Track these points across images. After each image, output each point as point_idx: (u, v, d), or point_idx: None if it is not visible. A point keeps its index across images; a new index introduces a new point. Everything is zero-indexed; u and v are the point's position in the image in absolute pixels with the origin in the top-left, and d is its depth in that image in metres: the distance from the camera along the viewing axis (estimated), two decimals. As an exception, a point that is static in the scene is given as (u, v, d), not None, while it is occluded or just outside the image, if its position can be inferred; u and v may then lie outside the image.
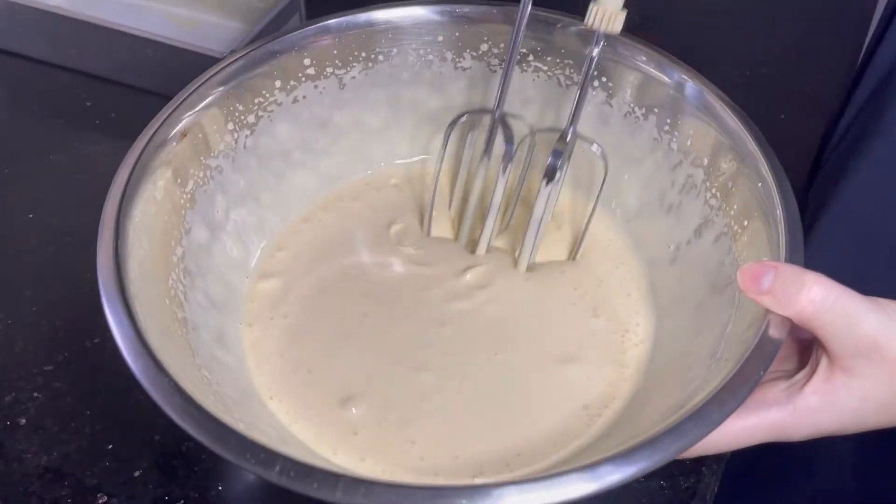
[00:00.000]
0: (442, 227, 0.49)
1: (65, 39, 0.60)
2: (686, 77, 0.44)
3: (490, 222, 0.46)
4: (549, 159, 0.44)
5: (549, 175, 0.44)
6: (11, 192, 0.54)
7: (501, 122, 0.46)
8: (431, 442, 0.39)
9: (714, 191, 0.43)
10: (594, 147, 0.46)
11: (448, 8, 0.48)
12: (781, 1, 0.71)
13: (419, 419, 0.40)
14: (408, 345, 0.43)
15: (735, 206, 0.41)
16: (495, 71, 0.49)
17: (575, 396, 0.41)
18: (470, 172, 0.49)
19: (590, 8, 0.41)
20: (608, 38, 0.46)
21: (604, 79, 0.47)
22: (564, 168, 0.45)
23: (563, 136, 0.44)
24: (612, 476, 0.29)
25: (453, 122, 0.47)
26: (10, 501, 0.39)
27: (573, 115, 0.44)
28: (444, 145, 0.47)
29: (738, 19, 0.69)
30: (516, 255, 0.47)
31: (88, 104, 0.60)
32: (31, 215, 0.52)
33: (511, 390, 0.41)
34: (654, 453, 0.30)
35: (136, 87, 0.60)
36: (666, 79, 0.45)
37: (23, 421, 0.42)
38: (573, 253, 0.47)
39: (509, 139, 0.45)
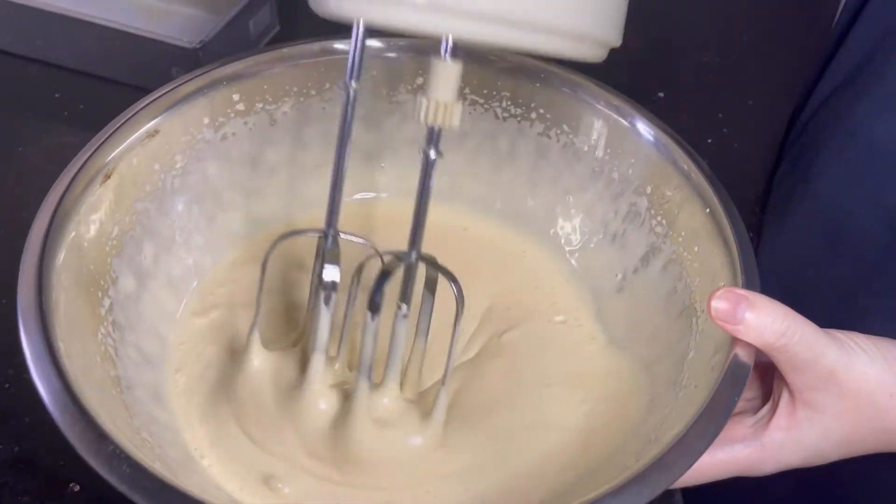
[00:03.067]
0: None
1: (32, 30, 0.59)
2: (624, 107, 0.45)
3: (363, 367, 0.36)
4: (373, 284, 0.35)
5: (372, 308, 0.35)
6: None
7: (332, 247, 0.37)
8: None
9: (659, 218, 0.43)
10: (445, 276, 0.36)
11: (382, 41, 0.47)
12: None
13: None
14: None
15: (683, 233, 0.42)
16: (392, 104, 0.48)
17: (542, 450, 0.39)
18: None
19: (419, 101, 0.33)
20: (544, 69, 0.46)
21: (541, 110, 0.47)
22: (413, 302, 0.36)
23: (401, 258, 0.36)
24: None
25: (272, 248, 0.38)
26: None
27: (414, 232, 0.35)
28: (263, 272, 0.38)
29: (709, 5, 0.71)
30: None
31: (57, 95, 0.59)
32: None
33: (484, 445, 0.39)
34: (644, 488, 0.29)
35: (105, 78, 0.60)
36: (604, 109, 0.45)
37: None
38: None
39: (333, 266, 0.36)
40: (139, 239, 0.41)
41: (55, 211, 0.36)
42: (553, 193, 0.48)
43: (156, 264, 0.42)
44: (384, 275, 0.35)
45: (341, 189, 0.37)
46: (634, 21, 0.56)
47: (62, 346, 0.32)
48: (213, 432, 0.38)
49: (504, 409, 0.40)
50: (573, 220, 0.48)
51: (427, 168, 0.34)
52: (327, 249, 0.37)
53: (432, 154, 0.34)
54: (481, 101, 0.48)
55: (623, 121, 0.45)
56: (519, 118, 0.48)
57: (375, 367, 0.36)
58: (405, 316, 0.36)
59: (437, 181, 0.48)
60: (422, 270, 0.37)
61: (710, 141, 0.56)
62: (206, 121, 0.44)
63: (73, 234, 0.37)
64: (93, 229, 0.38)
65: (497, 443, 0.39)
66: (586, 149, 0.46)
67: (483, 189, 0.49)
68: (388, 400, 0.37)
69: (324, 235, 0.38)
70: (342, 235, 0.38)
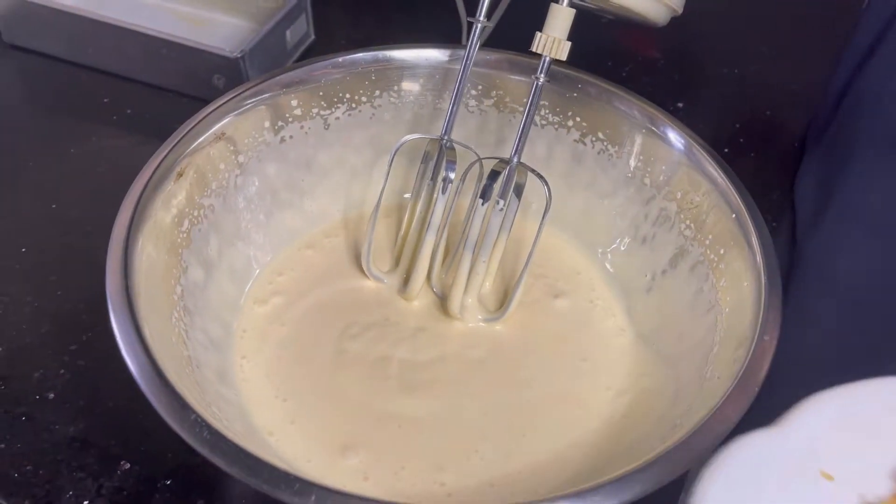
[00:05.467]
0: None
1: (82, 38, 0.62)
2: (657, 116, 0.47)
3: (424, 255, 0.46)
4: (485, 180, 0.44)
5: (483, 195, 0.44)
6: (34, 184, 0.56)
7: (449, 148, 0.47)
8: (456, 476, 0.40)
9: (688, 222, 0.46)
10: (538, 178, 0.45)
11: (432, 52, 0.50)
12: (770, 2, 0.75)
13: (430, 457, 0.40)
14: (396, 385, 0.43)
15: (710, 236, 0.44)
16: (472, 112, 0.52)
17: (577, 425, 0.42)
18: (413, 208, 0.49)
19: (536, 35, 0.42)
20: (582, 80, 0.49)
21: (578, 119, 0.50)
22: (509, 198, 0.45)
23: (505, 162, 0.45)
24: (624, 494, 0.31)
25: (398, 147, 0.46)
26: (41, 467, 0.41)
27: (518, 141, 0.44)
28: (389, 167, 0.47)
29: (729, 19, 0.73)
30: (454, 297, 0.46)
31: (105, 100, 0.62)
32: (53, 206, 0.54)
33: (520, 422, 0.42)
34: (668, 466, 0.32)
35: (151, 85, 0.62)
36: (637, 118, 0.48)
37: (51, 395, 0.44)
38: (504, 304, 0.47)
39: (451, 164, 0.46)
40: (206, 232, 0.45)
41: (136, 205, 0.40)
42: (588, 197, 0.51)
43: (220, 256, 0.46)
44: (493, 174, 0.44)
45: (458, 105, 0.46)
46: (657, 34, 0.59)
47: (145, 327, 0.35)
48: (290, 410, 0.41)
49: (543, 374, 0.44)
50: (606, 222, 0.51)
51: (536, 90, 0.44)
52: (445, 150, 0.47)
53: (541, 79, 0.43)
54: (520, 109, 0.51)
55: (655, 129, 0.47)
56: (556, 126, 0.51)
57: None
58: (501, 209, 0.44)
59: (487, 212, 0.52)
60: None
61: (726, 150, 0.58)
62: (267, 124, 0.48)
63: (150, 225, 0.40)
64: (167, 222, 0.42)
65: (535, 407, 0.43)
66: (620, 155, 0.49)
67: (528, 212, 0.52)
68: (481, 275, 0.45)
69: (441, 139, 0.47)
70: (453, 142, 0.47)
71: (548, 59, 0.43)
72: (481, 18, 0.45)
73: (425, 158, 0.48)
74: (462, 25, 0.47)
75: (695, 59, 0.69)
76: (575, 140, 0.51)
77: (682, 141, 0.46)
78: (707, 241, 0.44)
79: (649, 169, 0.48)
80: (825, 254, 0.50)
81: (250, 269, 0.47)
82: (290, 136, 0.49)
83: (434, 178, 0.47)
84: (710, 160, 0.45)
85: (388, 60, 0.50)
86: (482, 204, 0.44)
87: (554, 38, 0.42)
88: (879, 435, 0.27)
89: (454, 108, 0.46)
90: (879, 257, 0.48)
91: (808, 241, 0.52)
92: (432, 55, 0.50)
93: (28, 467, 0.41)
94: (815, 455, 0.26)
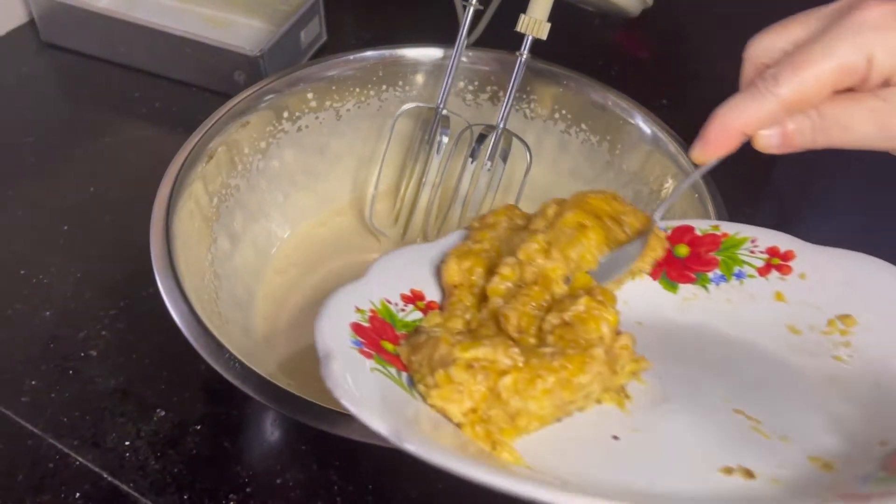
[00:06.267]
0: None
1: (114, 38, 0.67)
2: (632, 109, 0.53)
3: (420, 208, 0.53)
4: (474, 143, 0.51)
5: (473, 155, 0.51)
6: (75, 170, 0.62)
7: (443, 116, 0.53)
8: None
9: (659, 201, 0.52)
10: (521, 143, 0.52)
11: (432, 50, 0.56)
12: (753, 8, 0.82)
13: None
14: None
15: (677, 213, 0.50)
16: (469, 105, 0.58)
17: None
18: (411, 170, 0.56)
19: (521, 17, 0.48)
20: (565, 76, 0.55)
21: (563, 111, 0.56)
22: (496, 160, 0.51)
23: (492, 128, 0.52)
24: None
25: (400, 114, 0.54)
26: (87, 413, 0.47)
27: (504, 110, 0.50)
28: (391, 132, 0.54)
29: (711, 25, 0.79)
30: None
31: (136, 95, 0.68)
32: (91, 189, 0.60)
33: None
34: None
35: (177, 80, 0.68)
36: (615, 111, 0.54)
37: (94, 353, 0.50)
38: None
39: (445, 129, 0.53)
40: (232, 208, 0.51)
41: (175, 181, 0.45)
42: (573, 182, 0.57)
43: (244, 230, 0.51)
44: (481, 137, 0.51)
45: (451, 79, 0.53)
46: (645, 36, 0.64)
47: (184, 283, 0.41)
48: (305, 363, 0.47)
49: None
50: (588, 204, 0.56)
51: (520, 65, 0.49)
52: (440, 117, 0.53)
53: (524, 55, 0.49)
54: (512, 103, 0.57)
55: (630, 121, 0.53)
56: (544, 118, 0.57)
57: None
58: (489, 170, 0.51)
59: (475, 171, 0.58)
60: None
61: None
62: (286, 114, 0.54)
63: (186, 199, 0.46)
64: (199, 198, 0.48)
65: None
66: (600, 144, 0.55)
67: (513, 177, 0.58)
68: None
69: (437, 108, 0.53)
70: (447, 111, 0.54)
71: (530, 37, 0.49)
72: (473, 2, 0.51)
73: (423, 125, 0.55)
74: (457, 11, 0.53)
75: (680, 59, 0.74)
76: (561, 131, 0.56)
77: (654, 130, 0.52)
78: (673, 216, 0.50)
79: (626, 156, 0.54)
80: (818, 219, 0.56)
81: (270, 243, 0.53)
82: (306, 126, 0.55)
83: (430, 142, 0.54)
84: (677, 146, 0.51)
85: (394, 58, 0.56)
86: (471, 163, 0.50)
87: (536, 20, 0.48)
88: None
89: (449, 81, 0.52)
90: (865, 220, 0.54)
91: (798, 210, 0.57)
92: (433, 53, 0.56)
93: (76, 413, 0.47)
94: (388, 286, 0.36)
